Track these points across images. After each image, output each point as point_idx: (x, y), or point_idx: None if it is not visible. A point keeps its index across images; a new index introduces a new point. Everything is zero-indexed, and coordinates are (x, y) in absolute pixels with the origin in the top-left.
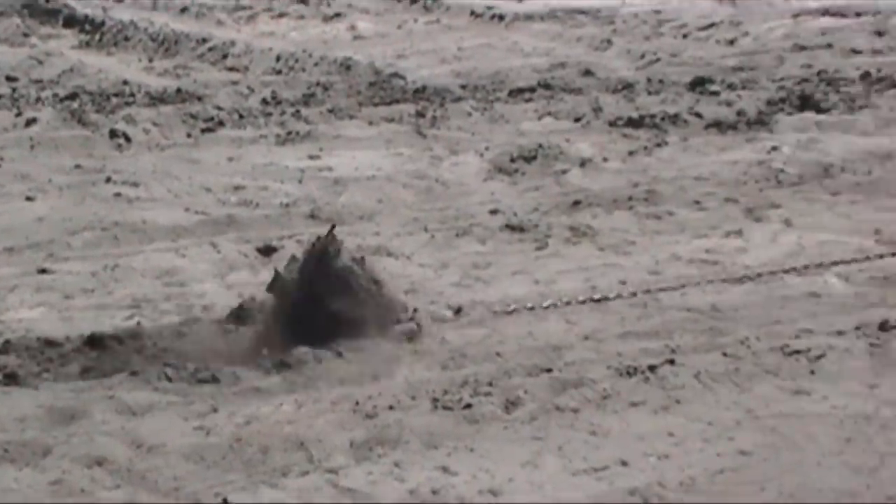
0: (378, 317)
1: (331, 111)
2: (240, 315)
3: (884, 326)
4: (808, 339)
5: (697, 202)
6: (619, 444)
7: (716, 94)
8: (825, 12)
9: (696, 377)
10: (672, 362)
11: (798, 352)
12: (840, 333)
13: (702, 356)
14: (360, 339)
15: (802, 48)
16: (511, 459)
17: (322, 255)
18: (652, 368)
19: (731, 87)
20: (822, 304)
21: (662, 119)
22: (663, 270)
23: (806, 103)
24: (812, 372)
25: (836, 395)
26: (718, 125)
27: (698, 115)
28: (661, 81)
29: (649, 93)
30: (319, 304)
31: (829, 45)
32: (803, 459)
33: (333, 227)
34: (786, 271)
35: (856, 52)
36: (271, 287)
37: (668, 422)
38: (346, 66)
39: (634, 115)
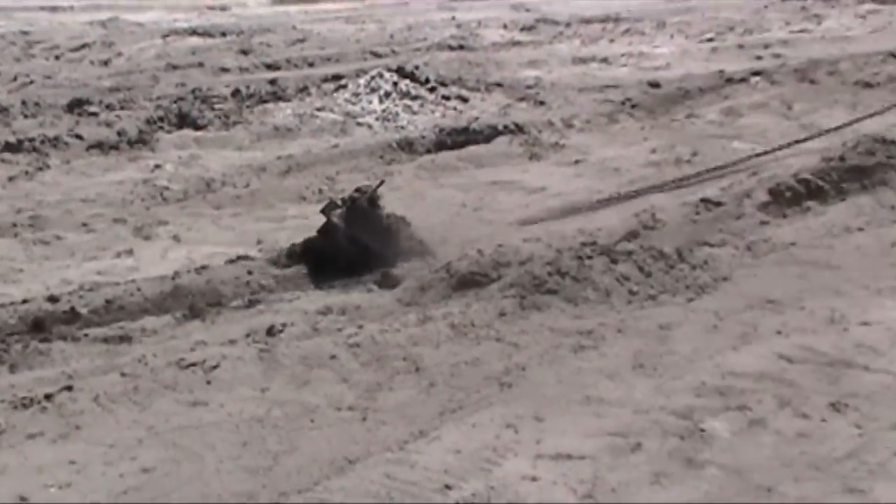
0: (410, 251)
1: None
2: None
3: (271, 331)
4: (202, 351)
5: (85, 224)
6: (18, 479)
7: (95, 115)
8: (193, 32)
9: (95, 400)
10: (70, 388)
11: (194, 364)
12: (232, 342)
13: (100, 378)
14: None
15: (175, 67)
16: None
17: (369, 202)
18: (48, 397)
19: (109, 107)
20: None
21: (42, 142)
22: (60, 296)
23: (184, 121)
24: (208, 382)
25: (232, 401)
26: (100, 146)
27: (79, 137)
28: (37, 104)
29: (26, 116)
30: (366, 244)
31: (201, 64)
32: (203, 468)
33: (382, 181)
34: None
35: (225, 70)
36: (323, 230)
37: (67, 450)
38: None
39: (12, 139)
